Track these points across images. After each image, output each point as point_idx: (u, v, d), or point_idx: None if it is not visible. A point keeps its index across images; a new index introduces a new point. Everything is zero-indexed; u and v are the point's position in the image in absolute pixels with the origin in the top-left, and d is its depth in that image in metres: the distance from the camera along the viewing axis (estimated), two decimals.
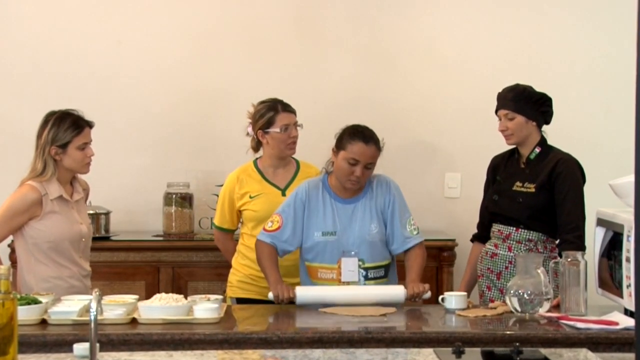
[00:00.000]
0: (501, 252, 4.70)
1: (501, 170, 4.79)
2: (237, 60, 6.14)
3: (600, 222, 4.42)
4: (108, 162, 5.87)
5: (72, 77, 6.08)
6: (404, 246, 4.58)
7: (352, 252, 4.51)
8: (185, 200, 6.00)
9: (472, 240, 4.97)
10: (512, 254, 4.64)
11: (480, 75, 5.96)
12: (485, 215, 4.84)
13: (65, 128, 4.49)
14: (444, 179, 6.07)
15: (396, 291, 4.38)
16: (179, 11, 6.16)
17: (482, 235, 4.88)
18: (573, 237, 4.52)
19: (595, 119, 6.10)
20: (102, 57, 6.12)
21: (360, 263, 4.51)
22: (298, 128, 4.95)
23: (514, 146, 4.77)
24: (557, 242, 4.63)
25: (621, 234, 4.17)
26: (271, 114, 4.90)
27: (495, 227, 4.75)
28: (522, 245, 4.65)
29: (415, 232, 4.58)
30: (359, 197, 4.56)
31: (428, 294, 4.41)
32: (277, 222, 4.57)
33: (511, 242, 4.67)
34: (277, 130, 4.88)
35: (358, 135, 4.47)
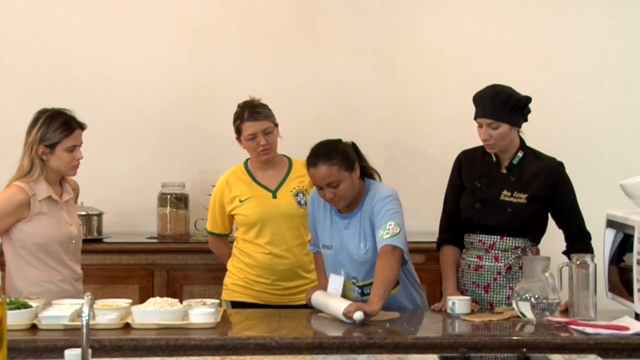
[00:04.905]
0: (487, 263, 4.49)
1: (477, 174, 4.55)
2: (234, 57, 6.13)
3: (611, 223, 4.36)
4: (101, 162, 5.89)
5: (63, 75, 6.08)
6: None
7: (342, 270, 4.36)
8: (181, 201, 5.97)
9: (440, 245, 4.62)
10: (500, 264, 4.46)
11: (485, 74, 5.85)
12: (453, 217, 4.58)
13: (55, 128, 4.43)
14: (445, 179, 5.98)
15: (340, 307, 4.15)
16: (173, 8, 6.16)
17: (451, 239, 4.59)
18: (586, 245, 4.42)
19: (606, 118, 6.05)
20: (94, 55, 6.13)
21: (355, 281, 4.38)
22: (275, 131, 4.82)
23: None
24: (563, 250, 4.49)
25: (632, 236, 4.10)
26: (238, 122, 4.84)
27: (475, 238, 4.51)
28: (509, 253, 4.46)
29: (386, 236, 4.24)
30: (354, 212, 4.38)
31: (358, 315, 4.04)
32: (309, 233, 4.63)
33: (496, 251, 4.47)
34: (244, 139, 4.81)
35: (308, 160, 4.33)
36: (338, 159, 4.27)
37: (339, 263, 4.39)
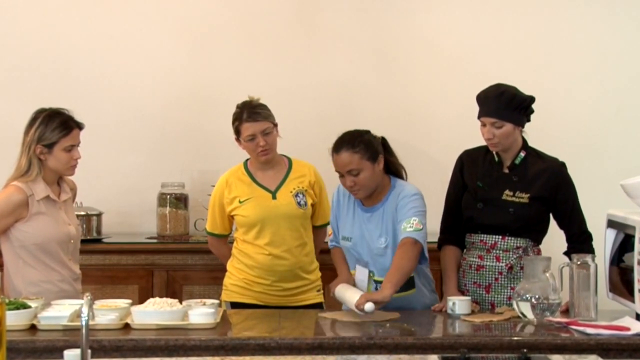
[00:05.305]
0: (488, 263, 4.48)
1: (479, 173, 4.54)
2: (234, 57, 6.12)
3: (611, 224, 4.35)
4: (100, 162, 5.87)
5: (63, 75, 6.06)
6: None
7: (365, 262, 4.42)
8: (180, 201, 5.94)
9: (441, 245, 4.62)
10: (502, 264, 4.45)
11: (485, 74, 5.84)
12: (455, 216, 4.57)
13: (53, 128, 4.42)
14: (446, 179, 5.97)
15: (353, 299, 4.19)
16: (173, 8, 6.12)
17: (452, 239, 4.58)
18: (587, 246, 4.41)
19: (606, 118, 6.04)
20: (94, 55, 6.10)
21: (371, 274, 4.41)
22: (274, 131, 4.80)
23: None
24: (565, 251, 4.48)
25: (633, 236, 4.09)
26: (237, 123, 4.81)
27: (476, 238, 4.50)
28: (511, 253, 4.45)
29: (409, 229, 4.30)
30: (377, 206, 4.43)
31: (368, 307, 4.10)
32: (330, 228, 4.64)
33: (498, 251, 4.46)
34: (243, 140, 4.79)
35: (333, 146, 4.39)
36: (361, 147, 4.33)
37: (357, 255, 4.42)
